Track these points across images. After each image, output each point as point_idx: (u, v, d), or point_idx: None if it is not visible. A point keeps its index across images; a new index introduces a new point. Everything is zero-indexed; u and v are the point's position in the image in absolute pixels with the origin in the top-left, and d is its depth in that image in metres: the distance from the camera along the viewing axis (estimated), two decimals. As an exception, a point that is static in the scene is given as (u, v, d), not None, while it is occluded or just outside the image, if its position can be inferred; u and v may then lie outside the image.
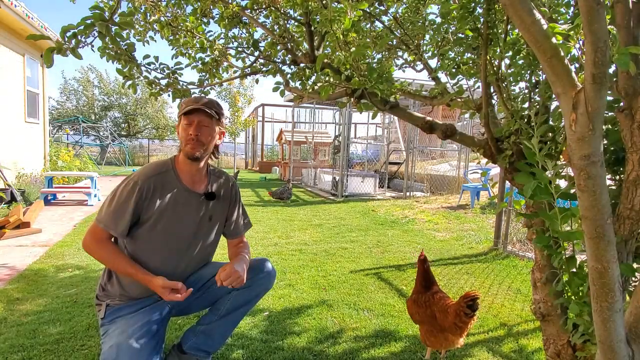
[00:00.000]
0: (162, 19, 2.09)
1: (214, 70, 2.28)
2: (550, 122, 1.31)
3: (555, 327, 1.35)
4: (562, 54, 0.87)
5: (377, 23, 2.04)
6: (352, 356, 2.10)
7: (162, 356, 1.66)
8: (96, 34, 1.43)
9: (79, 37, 1.41)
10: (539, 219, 1.32)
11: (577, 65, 1.23)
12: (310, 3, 1.75)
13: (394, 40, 1.98)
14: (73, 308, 2.58)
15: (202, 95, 1.93)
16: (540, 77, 1.38)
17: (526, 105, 1.42)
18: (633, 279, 1.20)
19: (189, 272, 1.83)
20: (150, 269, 1.67)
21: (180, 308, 1.84)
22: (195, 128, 1.67)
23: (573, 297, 1.27)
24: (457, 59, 1.72)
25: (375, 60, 1.95)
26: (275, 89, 2.13)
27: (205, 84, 2.31)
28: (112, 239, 1.70)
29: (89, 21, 1.40)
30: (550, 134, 1.29)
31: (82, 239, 1.67)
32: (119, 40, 1.52)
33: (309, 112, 14.99)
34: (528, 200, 1.33)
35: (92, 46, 1.47)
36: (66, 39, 1.39)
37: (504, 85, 1.46)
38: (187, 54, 2.27)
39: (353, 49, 1.68)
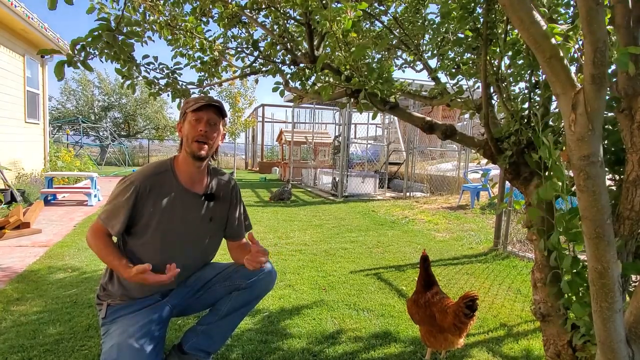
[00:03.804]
0: (162, 18, 2.09)
1: (213, 70, 2.28)
2: (550, 123, 1.31)
3: (556, 328, 1.35)
4: (562, 54, 0.87)
5: (376, 23, 2.05)
6: (351, 356, 2.10)
7: (162, 356, 1.66)
8: (104, 45, 1.45)
9: (88, 49, 1.43)
10: (539, 219, 1.31)
11: (576, 65, 1.23)
12: (310, 3, 1.75)
13: (394, 40, 1.98)
14: (73, 308, 2.58)
15: (208, 95, 1.94)
16: (540, 78, 1.38)
17: (526, 105, 1.42)
18: (633, 279, 1.20)
19: (188, 272, 1.83)
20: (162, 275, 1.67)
21: (181, 308, 1.84)
22: (205, 124, 1.67)
23: (573, 298, 1.27)
24: (456, 59, 1.72)
25: (375, 60, 1.95)
26: (275, 89, 2.13)
27: (204, 84, 2.31)
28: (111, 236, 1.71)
29: (96, 33, 1.42)
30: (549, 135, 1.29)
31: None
32: (125, 48, 1.54)
33: (308, 113, 14.98)
34: (533, 200, 1.32)
35: (101, 58, 1.50)
36: (76, 51, 1.41)
37: (503, 85, 1.46)
38: (186, 55, 2.27)
39: (353, 49, 1.68)
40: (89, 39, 1.42)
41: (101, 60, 1.54)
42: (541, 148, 1.17)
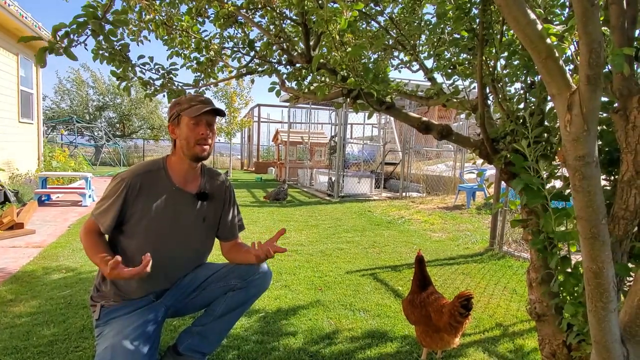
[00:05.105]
0: (157, 17, 2.08)
1: (209, 70, 2.28)
2: (546, 123, 1.31)
3: (551, 327, 1.36)
4: (557, 55, 0.87)
5: (373, 23, 2.05)
6: (348, 357, 2.10)
7: (157, 357, 1.65)
8: (89, 33, 1.41)
9: (72, 36, 1.39)
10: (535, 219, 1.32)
11: (572, 66, 1.24)
12: (306, 3, 1.75)
13: (390, 41, 1.98)
14: (67, 309, 2.56)
15: (203, 95, 1.93)
16: (536, 78, 1.39)
17: (522, 105, 1.42)
18: (628, 278, 1.21)
19: (180, 272, 1.82)
20: (137, 267, 1.66)
21: (176, 309, 1.83)
22: (205, 127, 1.69)
23: (568, 298, 1.28)
24: (453, 60, 1.72)
25: (372, 60, 1.95)
26: (271, 89, 2.12)
27: (200, 84, 2.30)
28: (104, 234, 1.69)
29: (81, 19, 1.38)
30: (545, 135, 1.30)
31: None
32: (112, 39, 1.51)
33: (305, 113, 14.97)
34: (523, 200, 1.33)
35: (86, 45, 1.46)
36: (58, 38, 1.37)
37: (499, 85, 1.46)
38: (182, 54, 2.26)
39: (349, 49, 1.68)
40: (74, 26, 1.37)
41: (86, 49, 1.49)
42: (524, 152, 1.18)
